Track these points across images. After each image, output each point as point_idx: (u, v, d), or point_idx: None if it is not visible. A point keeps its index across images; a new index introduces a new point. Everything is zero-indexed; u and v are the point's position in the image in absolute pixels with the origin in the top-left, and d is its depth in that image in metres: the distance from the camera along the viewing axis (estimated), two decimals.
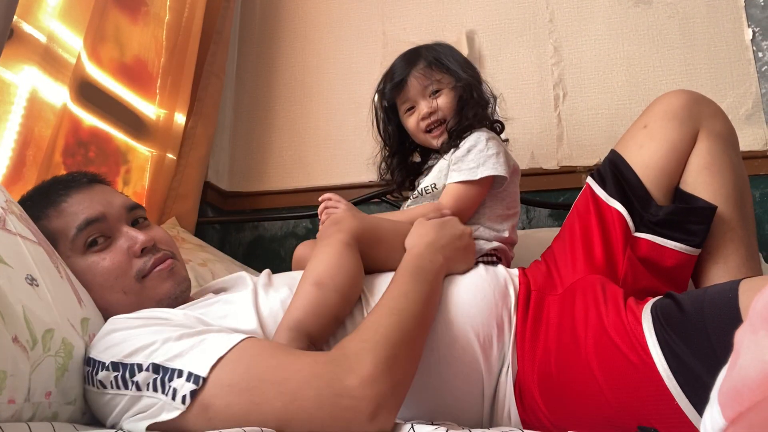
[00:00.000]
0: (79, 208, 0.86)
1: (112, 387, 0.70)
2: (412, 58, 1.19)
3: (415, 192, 1.19)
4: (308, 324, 0.79)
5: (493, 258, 1.07)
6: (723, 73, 1.65)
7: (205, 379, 0.65)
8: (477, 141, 1.10)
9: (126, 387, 0.68)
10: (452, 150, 1.13)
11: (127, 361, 0.69)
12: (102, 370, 0.70)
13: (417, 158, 1.31)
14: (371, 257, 0.93)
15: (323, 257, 0.87)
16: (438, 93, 1.17)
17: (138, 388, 0.67)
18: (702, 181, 0.96)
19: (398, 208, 1.75)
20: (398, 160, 1.29)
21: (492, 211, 1.11)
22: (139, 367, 0.68)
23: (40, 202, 0.87)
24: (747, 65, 1.64)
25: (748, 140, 1.58)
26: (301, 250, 1.11)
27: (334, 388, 0.64)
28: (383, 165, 1.31)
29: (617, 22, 1.76)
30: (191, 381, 0.65)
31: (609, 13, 1.77)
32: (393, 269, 0.88)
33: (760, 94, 1.62)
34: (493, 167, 1.07)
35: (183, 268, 0.94)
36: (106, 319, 0.79)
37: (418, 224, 0.98)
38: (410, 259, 0.88)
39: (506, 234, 1.11)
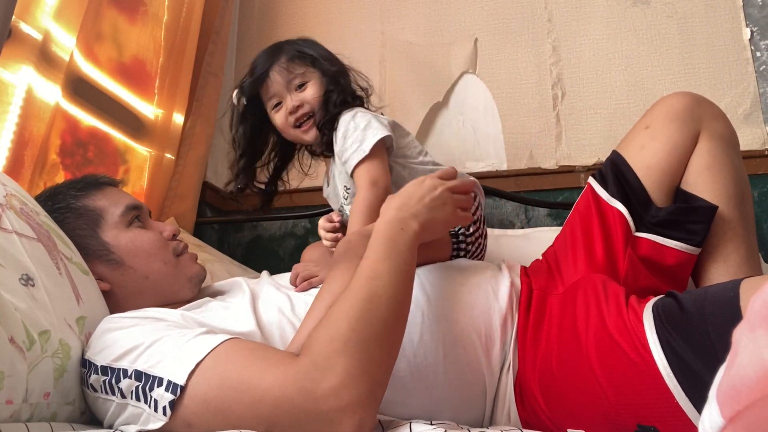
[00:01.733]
0: (121, 195, 0.97)
1: (101, 391, 0.70)
2: (273, 52, 1.16)
3: (339, 203, 1.16)
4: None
5: None
6: (721, 73, 1.65)
7: (183, 388, 0.64)
8: (346, 125, 1.07)
9: (113, 393, 0.69)
10: (330, 144, 1.11)
11: (115, 365, 0.69)
12: (93, 374, 0.71)
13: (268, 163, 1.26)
14: None
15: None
16: (303, 86, 1.13)
17: (123, 396, 0.68)
18: (703, 181, 0.97)
19: None
20: (245, 163, 1.21)
21: (406, 170, 1.10)
22: (125, 372, 0.68)
23: (84, 186, 0.95)
24: (745, 65, 1.64)
25: (747, 140, 1.59)
26: (310, 253, 1.14)
27: (308, 411, 0.60)
28: (238, 166, 1.22)
29: (616, 21, 1.76)
30: (170, 391, 0.64)
31: (607, 13, 1.77)
32: None
33: (758, 93, 1.62)
34: (373, 135, 1.04)
35: None
36: (143, 289, 0.90)
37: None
38: (380, 228, 0.80)
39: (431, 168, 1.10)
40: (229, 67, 2.04)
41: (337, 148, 1.09)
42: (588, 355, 0.76)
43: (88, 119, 1.46)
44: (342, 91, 1.12)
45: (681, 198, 0.98)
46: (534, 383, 0.80)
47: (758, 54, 1.64)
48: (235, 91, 1.18)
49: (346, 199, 1.13)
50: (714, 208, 0.94)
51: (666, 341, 0.71)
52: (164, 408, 0.64)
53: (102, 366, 0.70)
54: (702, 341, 0.68)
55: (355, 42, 1.98)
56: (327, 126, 1.11)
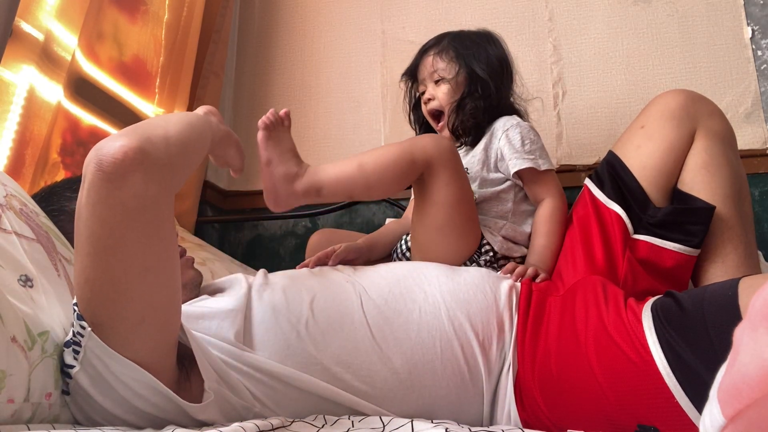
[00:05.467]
0: None
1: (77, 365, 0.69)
2: (434, 40, 1.22)
3: None
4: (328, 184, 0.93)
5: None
6: (722, 72, 1.65)
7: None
8: (525, 132, 1.12)
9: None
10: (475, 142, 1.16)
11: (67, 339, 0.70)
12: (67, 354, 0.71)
13: None
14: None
15: (382, 152, 0.96)
16: (440, 81, 1.17)
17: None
18: (700, 180, 0.96)
19: (399, 207, 1.75)
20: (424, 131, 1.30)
21: (519, 206, 1.13)
22: (67, 343, 0.69)
23: (79, 188, 0.93)
24: (746, 64, 1.64)
25: (748, 139, 1.58)
26: (317, 237, 1.14)
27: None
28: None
29: (616, 20, 1.76)
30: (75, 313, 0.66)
31: (608, 12, 1.77)
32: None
33: (759, 92, 1.62)
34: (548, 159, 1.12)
35: None
36: None
37: None
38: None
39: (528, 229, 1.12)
40: (229, 66, 2.04)
41: (504, 142, 1.11)
42: (588, 356, 0.76)
43: (88, 118, 1.46)
44: (478, 99, 1.15)
45: (678, 198, 0.98)
46: (534, 385, 0.80)
47: (759, 53, 1.64)
48: (402, 76, 1.28)
49: None
50: (712, 208, 0.94)
51: (665, 341, 0.71)
52: (80, 326, 0.64)
53: (64, 341, 0.70)
54: (701, 341, 0.68)
55: (355, 41, 1.98)
56: (468, 132, 1.16)
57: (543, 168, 1.09)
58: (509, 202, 1.11)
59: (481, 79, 1.16)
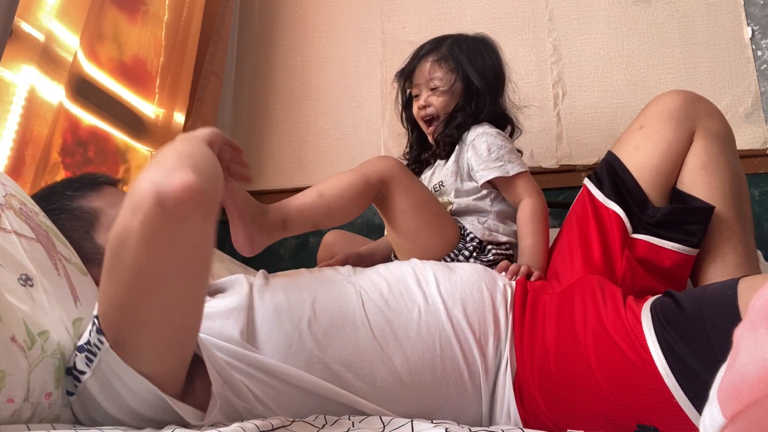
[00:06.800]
0: (118, 195, 0.93)
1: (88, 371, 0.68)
2: (433, 45, 1.22)
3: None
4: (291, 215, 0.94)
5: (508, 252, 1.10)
6: (722, 72, 1.65)
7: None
8: (492, 141, 1.13)
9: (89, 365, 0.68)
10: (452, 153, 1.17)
11: (79, 342, 0.69)
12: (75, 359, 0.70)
13: None
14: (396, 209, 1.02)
15: (339, 178, 0.98)
16: (436, 90, 1.18)
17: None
18: (699, 180, 0.96)
19: None
20: (416, 135, 1.31)
21: (498, 209, 1.14)
22: (80, 348, 0.68)
23: (80, 186, 0.94)
24: (746, 64, 1.64)
25: (748, 139, 1.58)
26: (331, 237, 1.20)
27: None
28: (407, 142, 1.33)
29: (616, 20, 1.76)
30: (93, 327, 0.65)
31: (608, 12, 1.77)
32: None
33: (759, 92, 1.62)
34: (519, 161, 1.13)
35: None
36: None
37: None
38: None
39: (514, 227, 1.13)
40: (229, 66, 2.04)
41: (472, 153, 1.14)
42: (587, 356, 0.76)
43: (88, 118, 1.46)
44: (470, 115, 1.17)
45: (677, 198, 0.98)
46: (533, 384, 0.80)
47: (759, 53, 1.64)
48: (396, 75, 1.28)
49: (433, 191, 1.17)
50: (711, 208, 0.94)
51: (665, 341, 0.71)
52: (98, 340, 0.63)
53: (77, 345, 0.69)
54: (701, 341, 0.68)
55: (355, 41, 1.98)
56: (446, 144, 1.17)
57: (512, 173, 1.10)
58: (487, 208, 1.13)
59: (476, 93, 1.17)
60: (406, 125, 1.34)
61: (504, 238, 1.10)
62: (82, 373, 0.67)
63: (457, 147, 1.17)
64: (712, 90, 1.62)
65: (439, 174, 1.19)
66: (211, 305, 0.81)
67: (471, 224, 1.09)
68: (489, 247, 1.07)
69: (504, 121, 1.25)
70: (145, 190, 0.59)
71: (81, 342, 0.68)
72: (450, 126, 1.18)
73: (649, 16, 1.74)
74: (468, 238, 1.07)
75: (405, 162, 1.31)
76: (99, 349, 0.64)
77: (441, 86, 1.18)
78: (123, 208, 0.61)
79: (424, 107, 1.20)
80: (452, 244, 1.06)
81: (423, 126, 1.23)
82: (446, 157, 1.18)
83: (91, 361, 0.65)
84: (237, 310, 0.80)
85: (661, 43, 1.71)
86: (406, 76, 1.25)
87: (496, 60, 1.22)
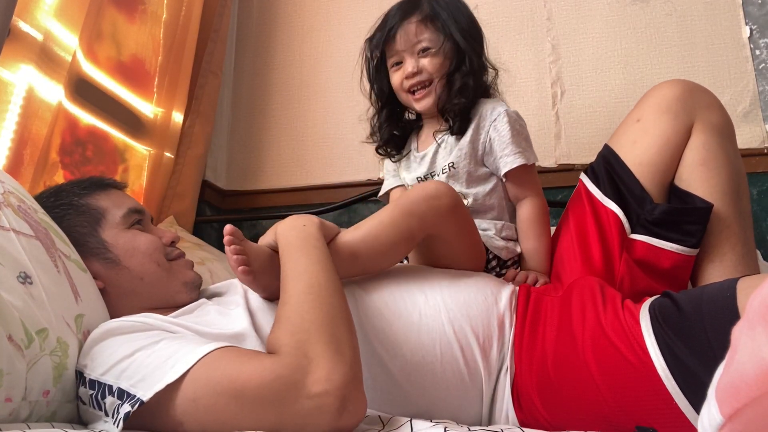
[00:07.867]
0: (124, 198, 0.97)
1: (89, 405, 0.70)
2: (408, 7, 1.08)
3: (418, 171, 1.11)
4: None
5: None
6: (720, 71, 1.65)
7: (152, 398, 0.64)
8: (513, 122, 1.03)
9: (99, 408, 0.68)
10: (459, 130, 1.06)
11: (102, 379, 0.68)
12: (81, 386, 0.71)
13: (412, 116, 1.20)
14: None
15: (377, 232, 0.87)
16: (426, 52, 1.06)
17: (107, 414, 0.67)
18: (697, 177, 0.95)
19: None
20: (386, 114, 1.17)
21: (507, 202, 1.08)
22: (110, 389, 0.67)
23: (89, 186, 0.95)
24: (744, 63, 1.64)
25: (746, 138, 1.59)
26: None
27: (289, 404, 0.61)
28: (373, 121, 1.19)
29: (615, 20, 1.76)
30: (129, 401, 0.65)
31: (607, 11, 1.77)
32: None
33: (757, 91, 1.62)
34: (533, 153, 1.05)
35: None
36: (137, 290, 0.89)
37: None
38: (282, 237, 0.82)
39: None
40: (228, 65, 2.04)
41: (494, 134, 1.03)
42: (585, 358, 0.76)
43: (87, 118, 1.46)
44: (466, 73, 1.05)
45: (675, 195, 0.97)
46: (531, 387, 0.80)
47: (757, 52, 1.64)
48: (366, 45, 1.14)
49: (442, 174, 1.07)
50: (710, 207, 0.93)
51: (663, 342, 0.70)
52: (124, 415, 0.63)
53: (90, 379, 0.70)
54: (699, 342, 0.67)
55: (354, 41, 1.98)
56: (457, 115, 1.04)
57: (531, 162, 1.03)
58: (502, 200, 1.06)
59: (465, 50, 1.07)
60: (375, 100, 1.18)
61: (519, 249, 1.06)
62: (106, 414, 0.68)
63: (472, 125, 1.05)
64: (711, 89, 1.59)
65: (448, 153, 1.07)
66: (212, 330, 0.79)
67: (493, 243, 1.03)
68: (509, 263, 1.05)
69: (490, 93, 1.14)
70: (335, 385, 0.62)
71: (113, 403, 0.67)
72: (452, 93, 1.06)
73: (647, 16, 1.74)
74: (490, 266, 1.04)
75: (374, 145, 1.20)
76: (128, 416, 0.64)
77: (432, 47, 1.05)
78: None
79: (414, 74, 1.06)
80: (479, 268, 1.01)
81: (407, 98, 1.10)
82: (461, 133, 1.05)
83: (116, 419, 0.65)
84: (244, 336, 0.79)
85: (659, 42, 1.71)
86: (384, 42, 1.09)
87: (469, 11, 1.13)
